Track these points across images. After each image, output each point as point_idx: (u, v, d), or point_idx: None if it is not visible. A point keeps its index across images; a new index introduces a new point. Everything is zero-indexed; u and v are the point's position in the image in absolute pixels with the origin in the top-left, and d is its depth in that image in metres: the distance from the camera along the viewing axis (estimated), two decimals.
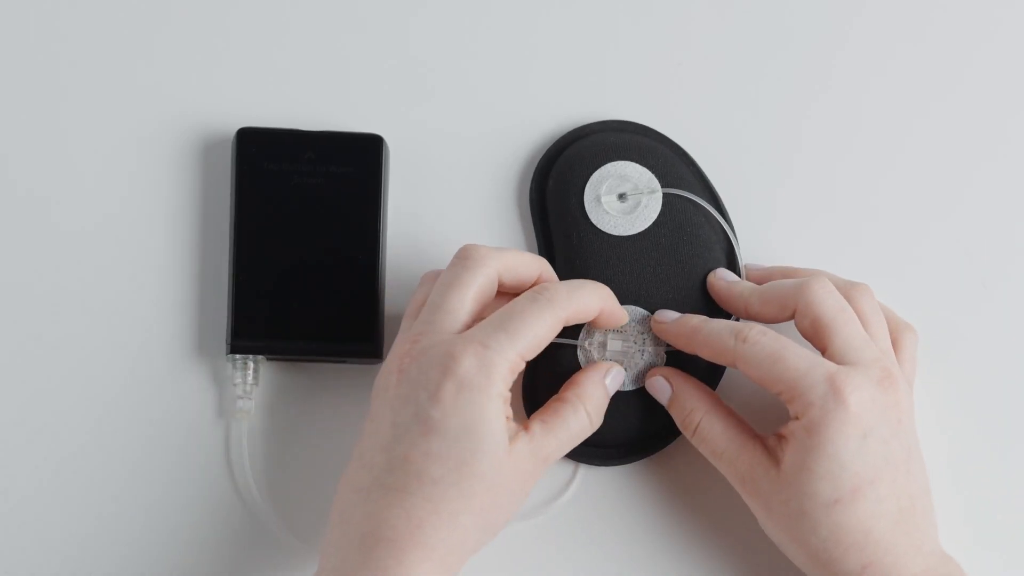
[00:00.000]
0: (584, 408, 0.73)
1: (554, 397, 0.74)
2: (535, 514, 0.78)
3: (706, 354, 0.74)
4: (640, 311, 0.77)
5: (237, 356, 0.77)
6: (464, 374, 0.68)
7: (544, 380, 0.76)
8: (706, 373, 0.76)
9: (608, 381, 0.75)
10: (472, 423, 0.67)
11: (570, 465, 0.78)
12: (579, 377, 0.74)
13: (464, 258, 0.72)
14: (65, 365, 0.78)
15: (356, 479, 0.69)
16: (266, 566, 0.77)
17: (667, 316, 0.76)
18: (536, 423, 0.71)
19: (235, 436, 0.78)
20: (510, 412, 0.70)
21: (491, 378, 0.68)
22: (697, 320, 0.75)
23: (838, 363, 0.71)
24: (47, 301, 0.78)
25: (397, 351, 0.70)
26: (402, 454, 0.68)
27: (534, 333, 0.69)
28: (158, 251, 0.79)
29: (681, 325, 0.75)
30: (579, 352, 0.76)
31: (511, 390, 0.70)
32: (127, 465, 0.78)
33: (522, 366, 0.70)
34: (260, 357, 0.77)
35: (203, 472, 0.78)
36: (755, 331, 0.72)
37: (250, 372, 0.77)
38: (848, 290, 0.74)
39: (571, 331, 0.76)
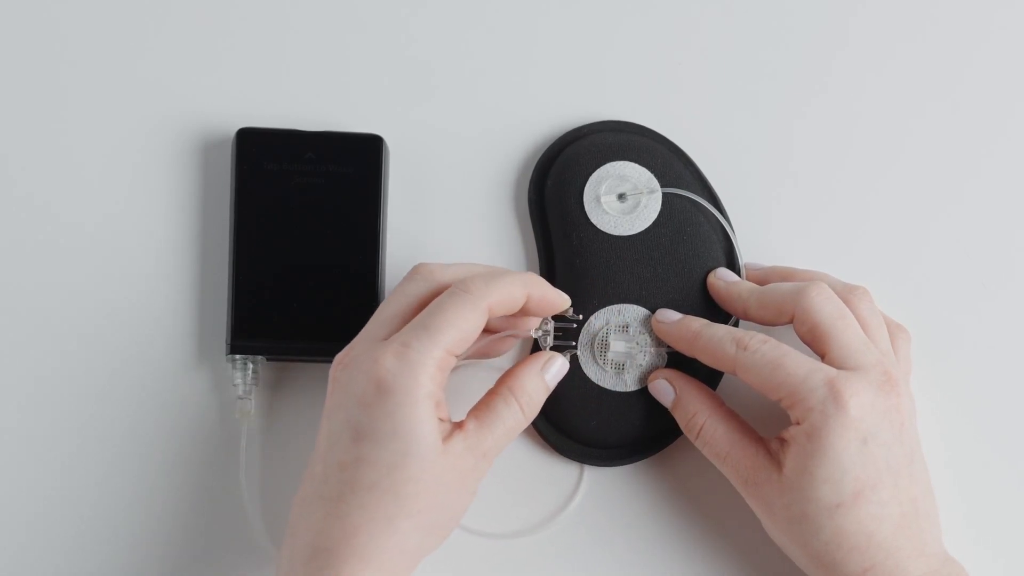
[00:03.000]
0: (517, 402, 0.71)
1: (489, 391, 0.72)
2: (546, 522, 0.78)
3: (706, 360, 0.74)
4: (641, 311, 0.77)
5: (237, 356, 0.77)
6: (387, 376, 0.67)
7: None
8: (707, 373, 0.76)
9: (548, 375, 0.73)
10: (400, 426, 0.67)
11: (575, 468, 0.78)
12: (516, 369, 0.73)
13: (413, 273, 0.72)
14: (65, 365, 0.78)
15: (302, 490, 0.69)
16: (266, 566, 0.77)
17: (668, 316, 0.76)
18: (471, 420, 0.70)
19: (235, 436, 0.78)
20: (445, 412, 0.69)
21: (417, 378, 0.67)
22: (698, 324, 0.74)
23: (838, 368, 0.70)
24: (47, 301, 0.78)
25: (334, 362, 0.70)
26: (336, 462, 0.68)
27: (455, 327, 0.68)
28: (158, 251, 0.79)
29: (682, 328, 0.75)
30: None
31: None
32: (127, 465, 0.78)
33: (452, 362, 0.69)
34: (260, 357, 0.77)
35: (203, 472, 0.78)
36: (756, 339, 0.72)
37: (250, 372, 0.77)
38: (846, 294, 0.74)
39: (570, 335, 0.76)
